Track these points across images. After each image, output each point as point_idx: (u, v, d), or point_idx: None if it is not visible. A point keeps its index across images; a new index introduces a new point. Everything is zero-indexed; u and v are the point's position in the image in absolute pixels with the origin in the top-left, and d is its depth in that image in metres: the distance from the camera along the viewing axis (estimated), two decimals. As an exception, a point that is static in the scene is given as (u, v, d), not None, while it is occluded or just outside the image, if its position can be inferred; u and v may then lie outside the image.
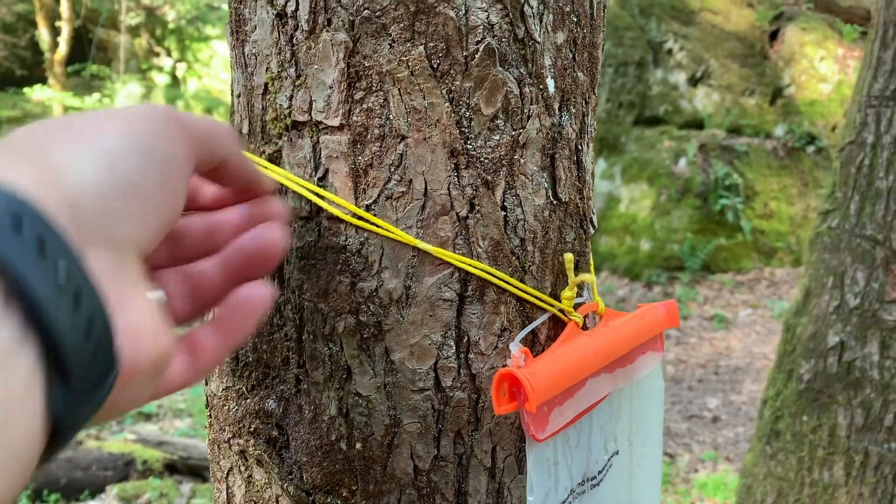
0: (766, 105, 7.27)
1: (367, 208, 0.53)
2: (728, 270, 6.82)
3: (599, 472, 0.63)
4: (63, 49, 10.23)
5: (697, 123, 7.11)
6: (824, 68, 7.32)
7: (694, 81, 7.14)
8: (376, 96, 0.52)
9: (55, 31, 10.29)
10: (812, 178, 7.01)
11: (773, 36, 7.51)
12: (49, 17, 10.21)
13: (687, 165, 6.75)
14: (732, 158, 6.85)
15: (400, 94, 0.52)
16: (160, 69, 11.56)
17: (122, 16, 10.82)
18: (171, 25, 11.61)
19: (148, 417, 4.41)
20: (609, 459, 0.64)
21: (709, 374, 5.65)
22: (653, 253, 6.77)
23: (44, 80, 10.28)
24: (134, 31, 11.44)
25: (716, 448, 4.50)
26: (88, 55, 10.49)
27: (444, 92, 0.52)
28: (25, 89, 9.70)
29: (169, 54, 11.80)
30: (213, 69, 11.85)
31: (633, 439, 0.68)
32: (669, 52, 7.11)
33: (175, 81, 11.49)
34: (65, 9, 10.15)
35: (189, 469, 3.76)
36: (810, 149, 7.09)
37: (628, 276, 6.79)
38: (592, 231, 0.63)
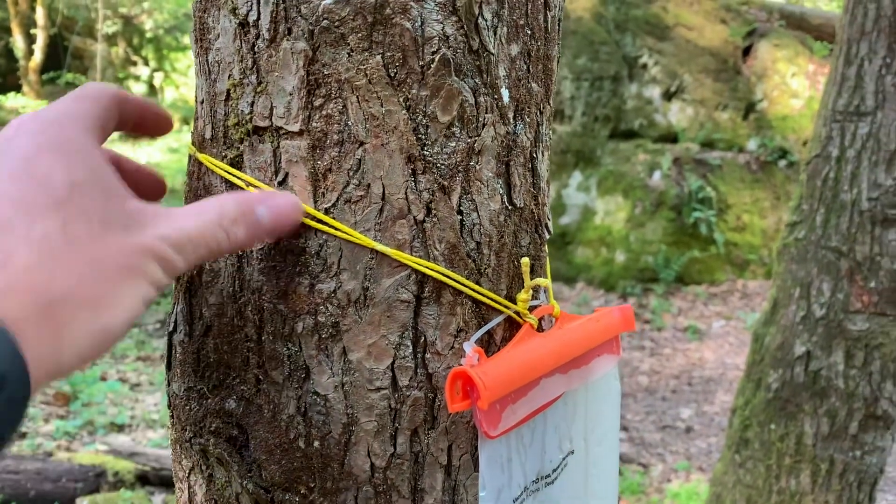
0: (739, 119, 7.39)
1: (326, 211, 0.55)
2: (702, 282, 6.90)
3: (554, 471, 0.64)
4: (38, 57, 10.15)
5: (672, 137, 7.20)
6: (796, 84, 7.45)
7: (668, 96, 7.24)
8: (335, 103, 0.54)
9: (30, 39, 10.21)
10: (784, 192, 7.12)
11: (746, 52, 7.64)
12: (24, 25, 10.13)
13: (661, 178, 6.83)
14: (706, 172, 6.94)
15: (358, 102, 0.54)
16: (137, 78, 11.50)
17: (98, 24, 10.76)
18: (148, 34, 11.57)
19: (120, 428, 4.36)
20: (564, 458, 0.66)
21: (682, 384, 5.71)
22: (628, 265, 6.84)
23: (18, 88, 10.19)
24: (111, 40, 11.38)
25: (689, 458, 4.54)
26: (64, 63, 10.41)
27: (401, 100, 0.54)
28: (-1, 97, 9.61)
29: (146, 63, 11.75)
30: (190, 79, 11.81)
31: (589, 439, 0.70)
32: (644, 66, 7.21)
33: (152, 90, 11.44)
34: (40, 16, 10.08)
35: (161, 480, 3.73)
36: (782, 163, 7.21)
37: (604, 288, 6.84)
38: (548, 236, 0.65)
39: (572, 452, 0.68)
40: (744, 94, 7.40)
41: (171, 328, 0.63)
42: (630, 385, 5.62)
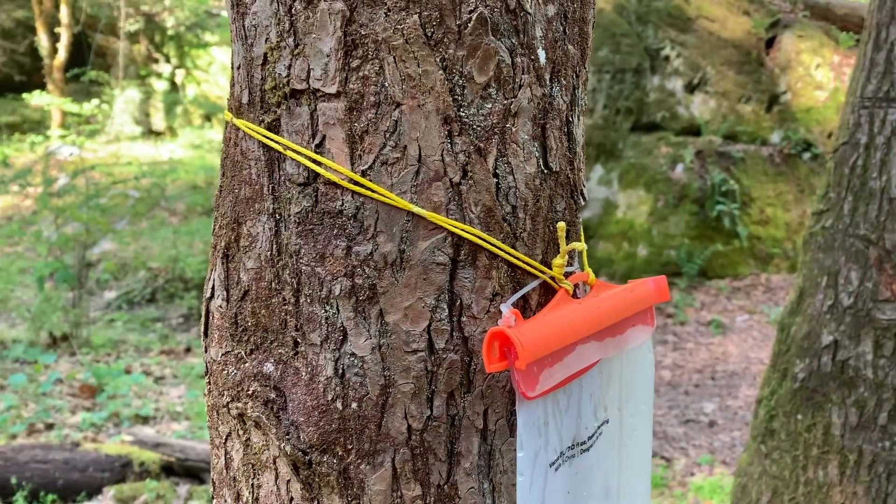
0: (763, 112, 7.31)
1: (363, 174, 0.55)
2: (725, 276, 6.84)
3: (589, 438, 0.64)
4: (62, 55, 10.26)
5: (694, 130, 7.14)
6: (820, 75, 7.36)
7: (691, 88, 7.18)
8: (372, 64, 0.54)
9: (54, 38, 10.32)
10: (808, 185, 7.04)
11: (770, 43, 7.56)
12: (48, 24, 10.24)
13: (684, 171, 6.78)
14: (729, 165, 6.88)
15: (395, 62, 0.54)
16: (159, 75, 11.59)
17: (121, 22, 10.85)
18: (170, 32, 11.65)
19: (145, 420, 4.41)
20: (599, 427, 0.66)
21: (705, 378, 5.66)
22: (650, 259, 6.79)
23: (42, 86, 10.30)
24: (133, 38, 11.47)
25: (712, 452, 4.51)
26: (87, 61, 10.52)
27: (437, 60, 0.54)
28: (24, 95, 9.71)
29: (168, 60, 11.84)
30: (211, 75, 11.89)
31: (624, 409, 0.70)
32: (666, 58, 7.15)
33: (174, 87, 11.52)
34: (64, 15, 10.18)
35: (186, 471, 3.76)
36: (806, 155, 7.13)
37: (625, 282, 6.79)
38: (583, 203, 0.65)
39: (607, 422, 0.68)
40: (767, 87, 7.33)
41: (208, 294, 0.64)
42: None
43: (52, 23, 10.34)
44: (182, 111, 10.64)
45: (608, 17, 7.19)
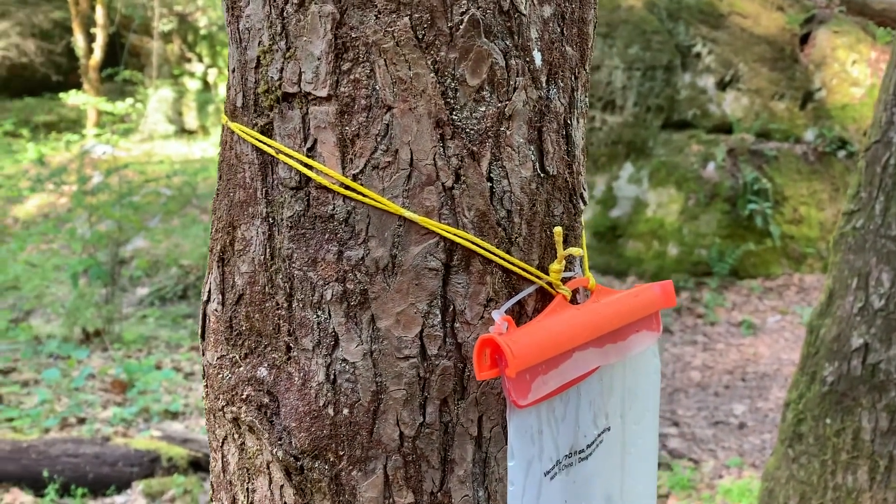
0: (797, 109, 7.19)
1: (354, 178, 0.54)
2: (757, 276, 6.74)
3: (588, 446, 0.63)
4: (98, 55, 10.42)
5: (726, 128, 7.04)
6: (856, 72, 7.21)
7: (723, 85, 7.08)
8: (363, 67, 0.53)
9: (90, 38, 10.48)
10: (843, 184, 6.90)
11: (804, 39, 7.42)
12: (84, 24, 10.41)
13: (715, 170, 6.69)
14: (761, 163, 6.77)
15: (386, 65, 0.53)
16: (192, 74, 11.73)
17: (155, 22, 11.00)
18: (202, 31, 11.78)
19: (174, 416, 4.46)
20: (599, 435, 0.65)
21: (736, 380, 5.59)
22: (680, 258, 6.72)
23: (78, 86, 10.48)
24: (166, 38, 11.62)
25: (741, 454, 4.44)
26: (121, 61, 10.68)
27: (429, 62, 0.53)
28: (61, 94, 9.89)
29: (200, 60, 11.97)
30: (243, 75, 11.97)
31: (627, 416, 0.69)
32: (698, 55, 7.06)
33: (206, 86, 11.65)
34: (100, 16, 10.34)
35: (213, 466, 3.80)
36: (841, 153, 6.99)
37: (655, 282, 6.72)
38: (583, 206, 0.64)
39: (608, 429, 0.66)
40: (801, 83, 7.20)
41: (205, 298, 0.64)
42: (682, 380, 5.52)
43: (88, 23, 10.51)
44: (214, 110, 10.75)
45: (638, 14, 7.12)
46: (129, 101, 9.03)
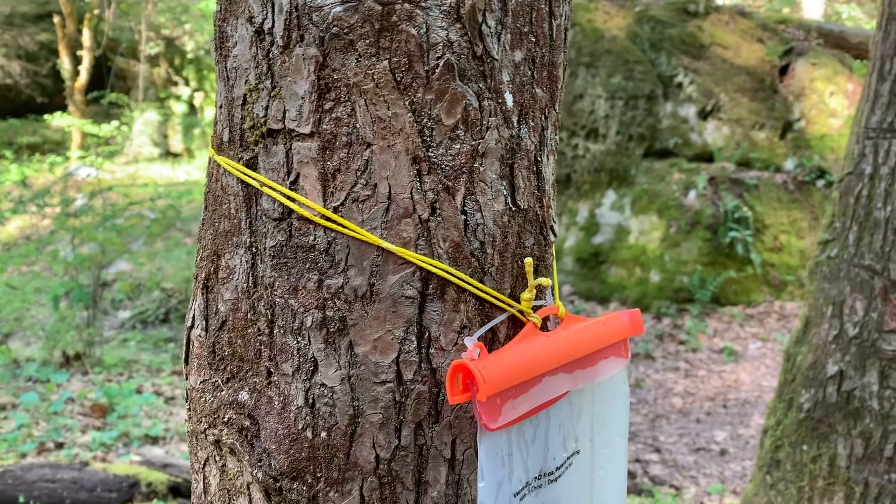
0: (776, 139, 7.31)
1: (335, 210, 0.57)
2: (738, 303, 6.80)
3: (557, 469, 0.65)
4: (83, 77, 10.43)
5: (707, 156, 7.14)
6: (834, 103, 7.35)
7: (704, 115, 7.19)
8: (344, 106, 0.56)
9: (76, 60, 10.50)
10: (822, 212, 7.01)
11: (784, 71, 7.57)
12: (71, 47, 10.43)
13: (697, 198, 6.78)
14: (742, 191, 6.87)
15: (366, 105, 0.56)
16: (178, 98, 11.76)
17: (141, 45, 11.04)
18: (189, 55, 11.83)
19: (155, 440, 4.43)
20: (569, 458, 0.67)
21: (717, 406, 5.62)
22: (662, 285, 6.78)
23: (64, 108, 10.48)
24: (153, 61, 11.66)
25: (723, 481, 4.46)
26: (108, 84, 10.70)
27: (406, 103, 0.56)
28: (46, 116, 9.89)
29: (187, 83, 12.01)
30: (230, 99, 12.01)
31: (596, 441, 0.71)
32: (679, 85, 7.18)
33: (192, 110, 11.68)
34: (86, 38, 10.37)
35: (193, 491, 3.77)
36: (820, 182, 7.11)
37: (637, 308, 6.77)
38: (553, 238, 0.67)
39: (577, 453, 0.69)
40: (781, 114, 7.33)
41: (189, 324, 0.66)
42: (663, 406, 5.55)
43: (75, 46, 10.53)
44: (200, 133, 10.77)
45: (621, 45, 7.23)
46: (115, 123, 9.04)
